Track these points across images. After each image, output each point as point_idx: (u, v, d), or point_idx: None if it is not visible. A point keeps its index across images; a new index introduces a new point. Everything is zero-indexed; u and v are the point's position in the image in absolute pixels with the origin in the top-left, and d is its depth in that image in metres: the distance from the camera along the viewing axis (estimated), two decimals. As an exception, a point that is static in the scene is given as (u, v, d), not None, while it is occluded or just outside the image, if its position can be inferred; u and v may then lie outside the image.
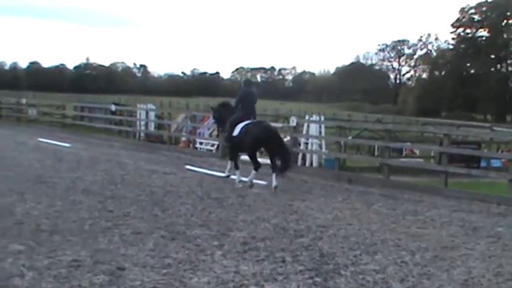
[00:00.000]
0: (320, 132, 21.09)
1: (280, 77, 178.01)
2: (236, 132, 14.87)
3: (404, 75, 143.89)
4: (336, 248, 8.94)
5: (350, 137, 22.87)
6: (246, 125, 14.81)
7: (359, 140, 24.05)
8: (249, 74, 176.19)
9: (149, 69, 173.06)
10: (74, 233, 9.02)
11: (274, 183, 14.17)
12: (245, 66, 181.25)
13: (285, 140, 20.19)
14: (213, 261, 7.87)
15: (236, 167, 15.21)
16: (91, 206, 11.24)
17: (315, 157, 20.39)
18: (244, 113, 15.38)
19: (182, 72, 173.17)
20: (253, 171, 14.77)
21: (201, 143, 24.83)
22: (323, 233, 9.89)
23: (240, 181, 14.86)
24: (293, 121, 19.99)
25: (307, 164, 20.33)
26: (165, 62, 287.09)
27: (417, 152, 27.00)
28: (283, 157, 14.67)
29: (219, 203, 12.21)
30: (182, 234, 9.32)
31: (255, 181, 14.73)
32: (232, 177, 15.23)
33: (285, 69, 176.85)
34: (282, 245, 8.89)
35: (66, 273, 7.10)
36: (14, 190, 12.51)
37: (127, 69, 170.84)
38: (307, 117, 22.41)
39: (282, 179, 14.91)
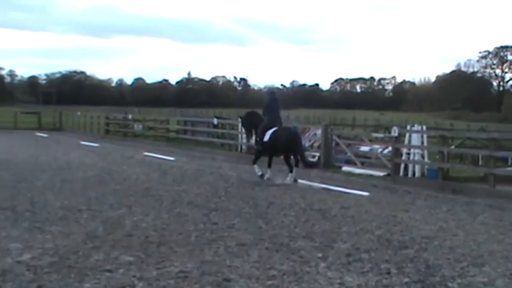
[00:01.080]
0: (422, 142, 20.79)
1: (380, 87, 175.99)
2: (266, 138, 17.14)
3: (508, 82, 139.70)
4: (442, 259, 8.80)
5: (453, 146, 22.41)
6: (274, 131, 17.08)
7: (462, 149, 23.54)
8: (348, 85, 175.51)
9: (249, 82, 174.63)
10: (181, 245, 9.23)
11: (292, 177, 16.82)
12: (344, 77, 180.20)
13: (387, 150, 20.10)
14: (318, 272, 7.89)
15: (255, 163, 17.78)
16: (196, 218, 11.48)
17: (417, 167, 20.10)
18: (271, 120, 17.42)
19: (282, 85, 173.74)
20: (293, 170, 16.99)
21: (302, 155, 24.85)
22: (428, 244, 9.76)
23: (267, 178, 17.31)
24: (395, 131, 19.79)
25: (410, 174, 20.07)
26: (265, 75, 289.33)
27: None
28: (303, 158, 17.46)
29: (322, 215, 12.22)
30: (286, 245, 9.39)
31: (359, 192, 14.73)
32: (266, 176, 17.40)
33: (384, 79, 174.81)
34: (386, 257, 8.83)
35: (174, 284, 7.28)
36: (122, 203, 12.95)
37: (227, 83, 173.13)
38: (408, 127, 22.13)
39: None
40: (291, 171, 16.93)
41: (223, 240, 9.64)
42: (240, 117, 19.30)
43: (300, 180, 17.35)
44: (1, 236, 9.59)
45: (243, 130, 18.86)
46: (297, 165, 17.31)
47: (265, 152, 17.61)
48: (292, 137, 17.27)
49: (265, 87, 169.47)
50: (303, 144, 18.59)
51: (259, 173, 17.63)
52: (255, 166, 17.85)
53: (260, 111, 18.43)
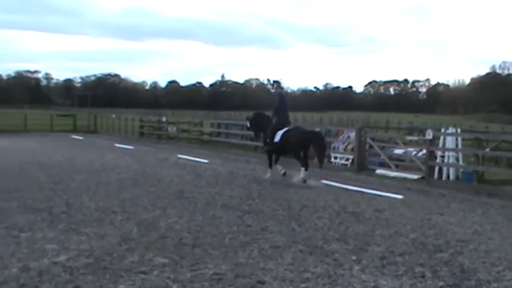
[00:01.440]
0: (457, 145, 20.59)
1: (414, 89, 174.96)
2: (277, 138, 17.64)
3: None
4: (477, 263, 8.72)
5: (488, 149, 22.16)
6: (285, 132, 17.60)
7: (497, 152, 23.26)
8: (381, 88, 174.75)
9: (283, 84, 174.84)
10: (215, 247, 9.27)
11: (303, 175, 17.07)
12: (378, 79, 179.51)
13: (421, 153, 19.97)
14: (352, 275, 7.88)
15: (270, 166, 18.25)
16: (230, 220, 11.52)
17: (452, 170, 19.91)
18: (281, 121, 18.04)
19: (315, 87, 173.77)
20: (302, 169, 17.16)
21: (335, 157, 24.80)
22: (463, 248, 9.68)
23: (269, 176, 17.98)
24: (429, 134, 19.63)
25: (444, 177, 19.89)
26: (298, 77, 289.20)
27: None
28: (321, 156, 17.69)
29: (355, 217, 12.18)
30: (320, 248, 9.39)
31: (385, 194, 14.66)
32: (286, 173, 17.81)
33: (418, 81, 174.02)
34: (421, 260, 8.78)
35: (209, 286, 7.32)
36: (156, 205, 13.03)
37: (261, 86, 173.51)
38: (442, 130, 21.95)
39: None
40: (306, 169, 17.17)
41: (257, 242, 9.66)
42: (248, 118, 19.82)
43: (331, 183, 17.31)
44: (38, 237, 9.72)
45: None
46: (321, 167, 17.55)
47: (273, 152, 18.21)
48: (307, 136, 17.63)
49: (298, 90, 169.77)
50: (325, 145, 18.88)
51: (282, 172, 17.92)
52: (277, 166, 18.30)
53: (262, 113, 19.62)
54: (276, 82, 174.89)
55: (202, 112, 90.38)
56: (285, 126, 17.87)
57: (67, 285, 7.22)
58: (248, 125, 19.69)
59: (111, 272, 7.74)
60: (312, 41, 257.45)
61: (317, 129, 21.92)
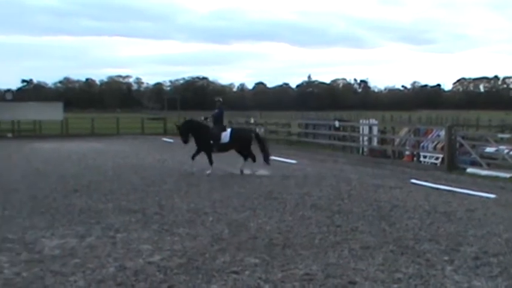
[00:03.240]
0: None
1: (505, 86, 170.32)
2: (226, 139, 19.99)
3: None
4: None
5: None
6: (233, 133, 20.30)
7: None
8: (471, 85, 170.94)
9: (370, 84, 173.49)
10: (305, 247, 9.32)
11: (249, 167, 19.73)
12: (467, 76, 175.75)
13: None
14: (444, 276, 7.78)
15: (211, 163, 20.04)
16: (319, 220, 11.54)
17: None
18: (220, 125, 20.60)
19: (402, 86, 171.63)
20: (252, 162, 19.92)
21: (425, 157, 24.45)
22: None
23: (209, 174, 19.36)
24: (523, 131, 19.13)
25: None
26: (385, 76, 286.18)
27: None
28: (265, 153, 20.03)
29: (447, 217, 11.99)
30: (411, 248, 9.30)
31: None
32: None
33: (509, 77, 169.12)
34: (516, 261, 8.59)
35: (300, 286, 7.36)
36: (246, 206, 13.18)
37: (348, 85, 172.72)
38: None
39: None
40: (254, 160, 19.97)
41: (347, 242, 9.66)
42: (177, 125, 21.75)
43: (422, 183, 17.11)
44: (133, 238, 10.00)
45: (181, 136, 20.74)
46: (254, 160, 19.94)
47: (225, 150, 20.46)
48: (255, 135, 21.03)
49: (385, 89, 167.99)
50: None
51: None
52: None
53: (202, 120, 22.05)
54: (363, 82, 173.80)
55: (289, 113, 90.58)
56: (224, 130, 20.34)
57: (161, 285, 7.40)
58: (178, 130, 21.12)
59: (204, 272, 7.89)
60: (396, 39, 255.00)
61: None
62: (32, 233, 10.48)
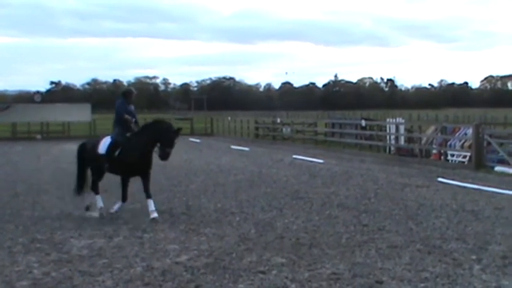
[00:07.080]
0: None
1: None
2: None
3: None
4: None
5: None
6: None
7: None
8: (499, 82, 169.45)
9: (396, 82, 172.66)
10: (332, 247, 9.32)
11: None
12: (494, 74, 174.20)
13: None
14: (472, 275, 7.73)
15: None
16: (346, 220, 11.53)
17: None
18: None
19: (429, 84, 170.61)
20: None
21: (452, 155, 24.28)
22: None
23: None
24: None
25: None
26: (411, 75, 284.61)
27: None
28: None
29: (474, 216, 11.91)
30: (438, 248, 9.26)
31: None
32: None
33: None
34: (545, 260, 8.51)
35: (326, 286, 7.37)
36: (273, 206, 13.21)
37: (374, 84, 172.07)
38: None
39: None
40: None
41: (374, 242, 9.64)
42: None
43: (449, 181, 17.04)
44: (160, 238, 10.08)
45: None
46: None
47: None
48: None
49: (412, 87, 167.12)
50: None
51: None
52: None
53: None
54: (390, 80, 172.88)
55: (315, 112, 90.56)
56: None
57: (188, 285, 7.45)
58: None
59: (231, 272, 7.93)
60: (422, 37, 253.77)
61: None
62: (60, 233, 10.60)
